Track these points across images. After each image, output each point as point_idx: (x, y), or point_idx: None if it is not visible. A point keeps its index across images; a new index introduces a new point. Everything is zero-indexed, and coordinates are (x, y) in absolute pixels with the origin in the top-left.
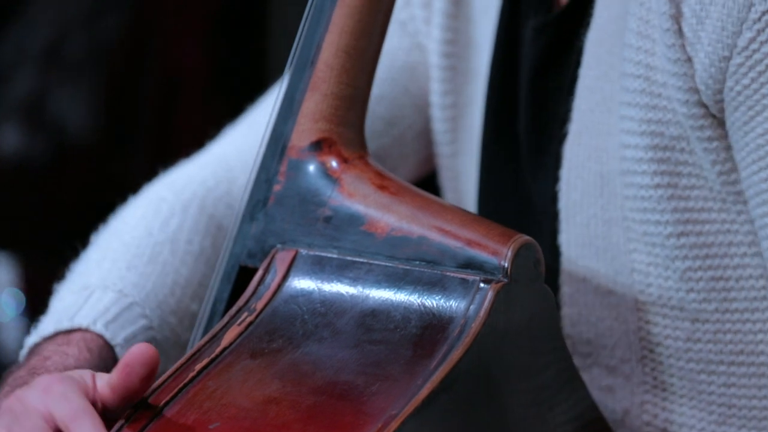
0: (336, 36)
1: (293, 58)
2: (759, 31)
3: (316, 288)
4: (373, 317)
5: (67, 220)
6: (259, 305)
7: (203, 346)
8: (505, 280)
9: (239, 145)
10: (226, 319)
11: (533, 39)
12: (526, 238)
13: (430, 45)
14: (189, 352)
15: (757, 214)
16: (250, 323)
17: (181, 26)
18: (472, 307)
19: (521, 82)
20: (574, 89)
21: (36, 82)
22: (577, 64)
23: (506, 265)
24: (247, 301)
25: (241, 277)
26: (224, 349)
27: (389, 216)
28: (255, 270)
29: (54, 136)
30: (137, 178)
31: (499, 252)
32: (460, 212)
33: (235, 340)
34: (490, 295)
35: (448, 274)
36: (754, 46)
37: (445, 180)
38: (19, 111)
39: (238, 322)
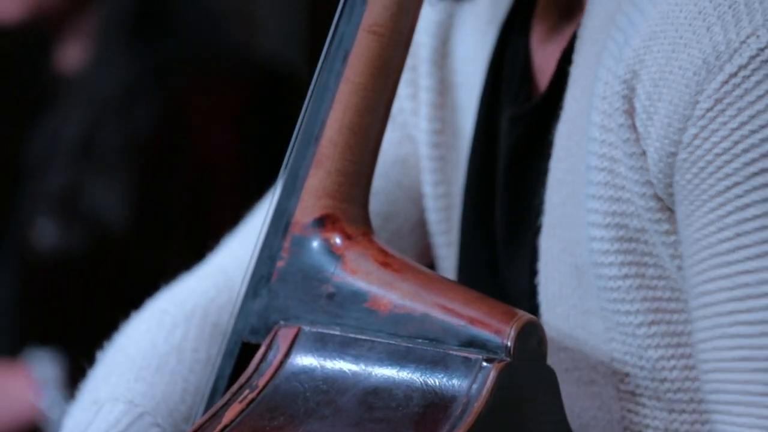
0: (340, 113)
1: (297, 134)
2: (702, 128)
3: (318, 365)
4: (375, 395)
5: (105, 312)
6: (261, 382)
7: (204, 423)
8: (508, 359)
9: (239, 255)
10: (227, 396)
11: (508, 129)
12: (528, 317)
13: (419, 136)
14: (190, 430)
15: (691, 307)
16: (252, 400)
17: (213, 116)
18: (474, 386)
19: (498, 171)
20: (546, 181)
21: (69, 176)
22: (549, 156)
23: (509, 344)
24: (249, 378)
25: (244, 353)
26: (225, 426)
27: (392, 293)
28: (257, 346)
29: (90, 229)
30: (173, 268)
31: (501, 331)
32: (463, 290)
33: (236, 417)
34: (492, 374)
35: (450, 352)
36: (697, 142)
37: (443, 270)
38: (54, 205)
39: (240, 399)
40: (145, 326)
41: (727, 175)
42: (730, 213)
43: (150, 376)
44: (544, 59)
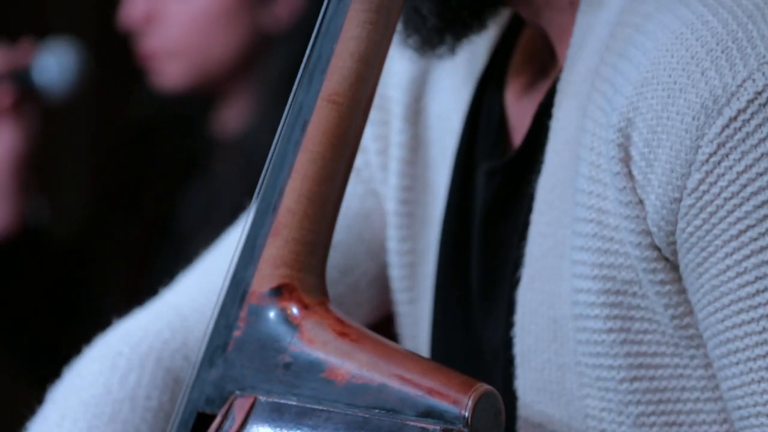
0: (298, 182)
1: (255, 203)
2: (707, 173)
3: None
4: None
5: None
6: None
7: None
8: (466, 429)
9: (193, 294)
10: None
11: (485, 184)
12: (486, 387)
13: (387, 192)
14: None
15: (714, 356)
16: None
17: None
18: None
19: (474, 226)
20: (527, 235)
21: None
22: (528, 209)
23: (467, 414)
24: None
25: (199, 424)
26: None
27: (349, 363)
28: (213, 417)
29: None
30: None
31: (459, 401)
32: (421, 360)
33: None
34: None
35: (408, 423)
36: (704, 187)
37: (404, 327)
38: None
39: None
40: (98, 367)
41: (739, 219)
42: (747, 257)
43: (103, 426)
44: (519, 115)
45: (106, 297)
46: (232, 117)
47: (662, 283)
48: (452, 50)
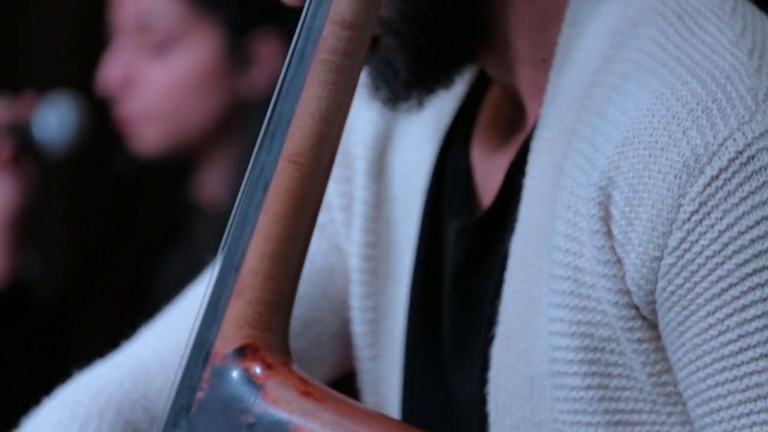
0: (261, 242)
1: (219, 264)
2: (689, 231)
3: None
4: None
5: None
6: None
7: None
8: None
9: (156, 346)
10: None
11: (455, 242)
12: None
13: (351, 248)
14: None
15: (696, 415)
16: None
17: None
18: None
19: (444, 283)
20: (501, 292)
21: None
22: (502, 267)
23: None
24: None
25: None
26: None
27: (313, 423)
28: None
29: None
30: None
31: None
32: (384, 419)
33: None
34: None
35: None
36: (685, 246)
37: (365, 383)
38: None
39: None
40: (57, 417)
41: (721, 278)
42: (729, 315)
43: None
44: (486, 173)
45: (84, 356)
46: (212, 182)
47: (640, 341)
48: (420, 104)
